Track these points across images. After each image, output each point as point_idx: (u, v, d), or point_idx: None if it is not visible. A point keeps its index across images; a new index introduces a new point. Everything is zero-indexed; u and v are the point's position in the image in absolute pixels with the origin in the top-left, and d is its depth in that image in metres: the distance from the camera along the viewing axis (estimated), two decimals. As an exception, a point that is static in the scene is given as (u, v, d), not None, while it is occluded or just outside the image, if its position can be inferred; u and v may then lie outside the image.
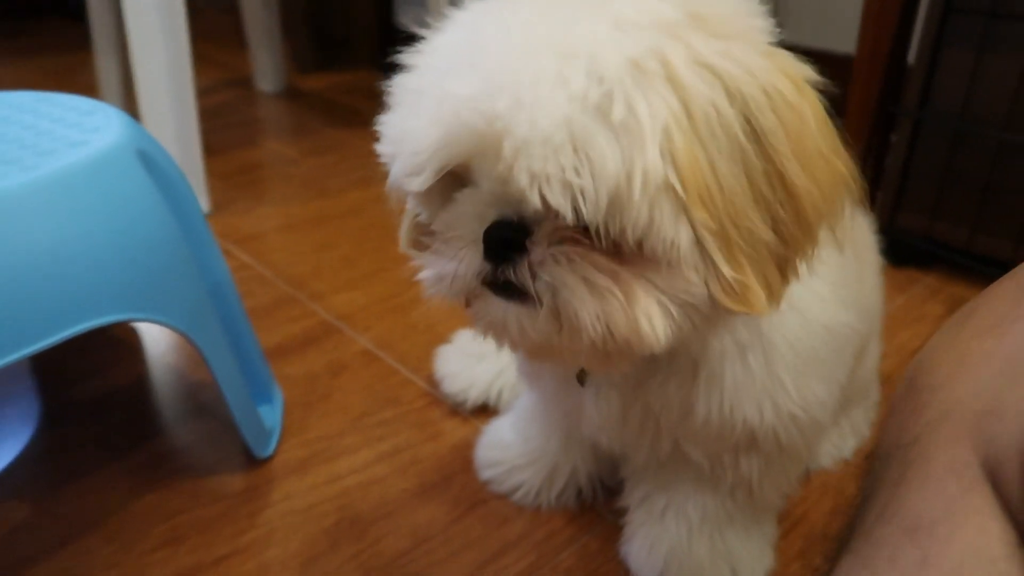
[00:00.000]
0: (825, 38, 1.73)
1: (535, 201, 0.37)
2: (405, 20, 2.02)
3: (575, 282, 0.40)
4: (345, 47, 2.20)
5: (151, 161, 0.69)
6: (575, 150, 0.36)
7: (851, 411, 0.78)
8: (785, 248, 0.40)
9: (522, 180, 0.37)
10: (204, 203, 1.32)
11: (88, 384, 0.90)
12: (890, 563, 0.34)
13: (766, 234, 0.39)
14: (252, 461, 0.78)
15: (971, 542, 0.33)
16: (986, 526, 0.33)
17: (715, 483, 0.61)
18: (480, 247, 0.42)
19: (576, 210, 0.37)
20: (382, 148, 0.44)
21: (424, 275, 0.46)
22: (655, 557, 0.65)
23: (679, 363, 0.51)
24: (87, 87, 1.79)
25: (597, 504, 0.74)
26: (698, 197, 0.37)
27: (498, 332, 0.45)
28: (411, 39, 0.45)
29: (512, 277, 0.41)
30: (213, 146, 1.50)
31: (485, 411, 0.86)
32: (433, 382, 0.89)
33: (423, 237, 0.48)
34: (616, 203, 0.37)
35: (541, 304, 0.41)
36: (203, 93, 1.37)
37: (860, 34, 1.20)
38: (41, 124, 0.69)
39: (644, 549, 0.65)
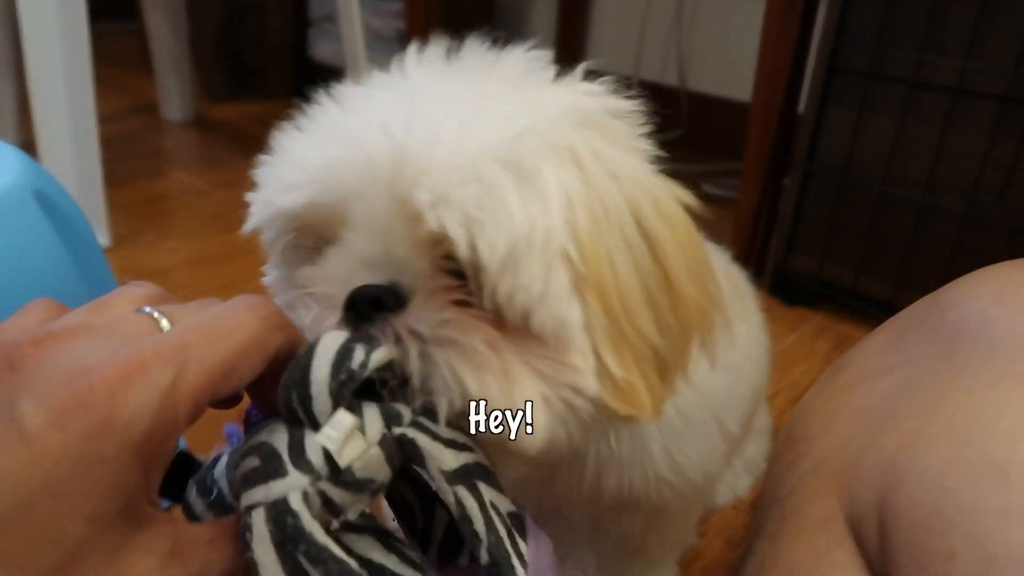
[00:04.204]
0: (727, 87, 1.84)
1: (431, 224, 0.34)
2: (320, 52, 2.02)
3: (450, 347, 0.34)
4: (258, 77, 2.17)
5: (49, 202, 0.67)
6: (482, 188, 0.34)
7: (744, 450, 0.82)
8: (670, 355, 0.39)
9: (423, 198, 0.34)
10: (105, 236, 1.27)
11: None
12: None
13: (655, 337, 0.37)
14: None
15: None
16: None
17: (603, 537, 0.63)
18: (339, 311, 0.35)
19: (473, 248, 0.34)
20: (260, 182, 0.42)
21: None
22: (559, 602, 0.66)
23: None
24: (-22, 110, 1.70)
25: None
26: (594, 282, 0.35)
27: None
28: (327, 72, 0.44)
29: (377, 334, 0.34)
30: (116, 176, 1.45)
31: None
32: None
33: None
34: (513, 255, 0.34)
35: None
36: (105, 120, 1.32)
37: (755, 87, 1.29)
38: (-72, 162, 0.66)
39: (549, 593, 0.67)
